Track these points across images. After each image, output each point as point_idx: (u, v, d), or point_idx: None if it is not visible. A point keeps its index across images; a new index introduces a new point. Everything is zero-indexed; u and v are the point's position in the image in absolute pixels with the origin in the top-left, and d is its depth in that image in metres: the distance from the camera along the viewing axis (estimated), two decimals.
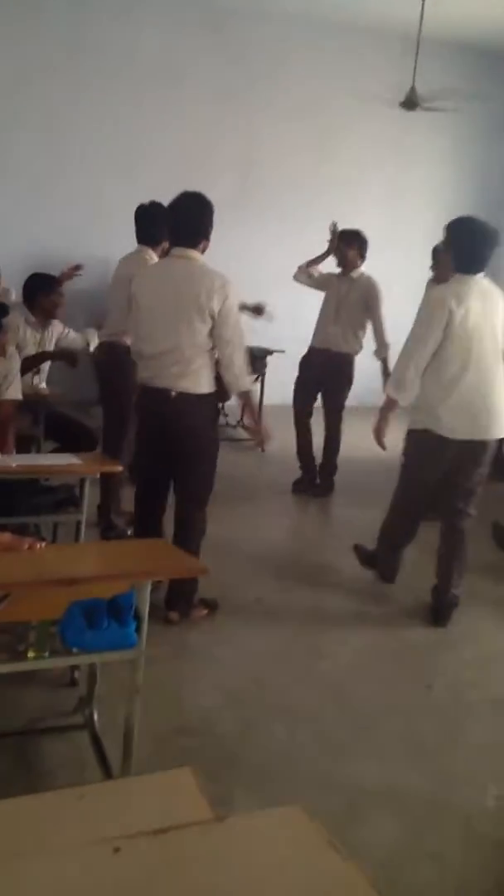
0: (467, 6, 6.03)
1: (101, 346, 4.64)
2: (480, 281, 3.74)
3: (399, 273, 7.18)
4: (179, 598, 3.60)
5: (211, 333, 3.39)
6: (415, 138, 8.44)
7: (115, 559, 2.53)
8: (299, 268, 5.61)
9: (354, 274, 5.49)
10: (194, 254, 3.48)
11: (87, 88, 7.43)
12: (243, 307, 4.83)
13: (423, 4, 6.53)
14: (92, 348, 4.88)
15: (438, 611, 3.88)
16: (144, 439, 3.68)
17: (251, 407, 3.69)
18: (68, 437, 4.51)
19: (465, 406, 3.67)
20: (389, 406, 3.85)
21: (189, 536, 3.56)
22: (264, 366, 6.87)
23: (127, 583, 2.31)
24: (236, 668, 3.32)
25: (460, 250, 3.75)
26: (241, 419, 6.60)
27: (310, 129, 8.23)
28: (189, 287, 3.38)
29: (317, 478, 5.77)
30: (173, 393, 3.44)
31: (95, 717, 2.73)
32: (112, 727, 2.68)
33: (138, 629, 2.27)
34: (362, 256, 5.50)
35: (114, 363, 4.35)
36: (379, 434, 3.87)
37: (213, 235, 3.64)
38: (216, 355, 3.46)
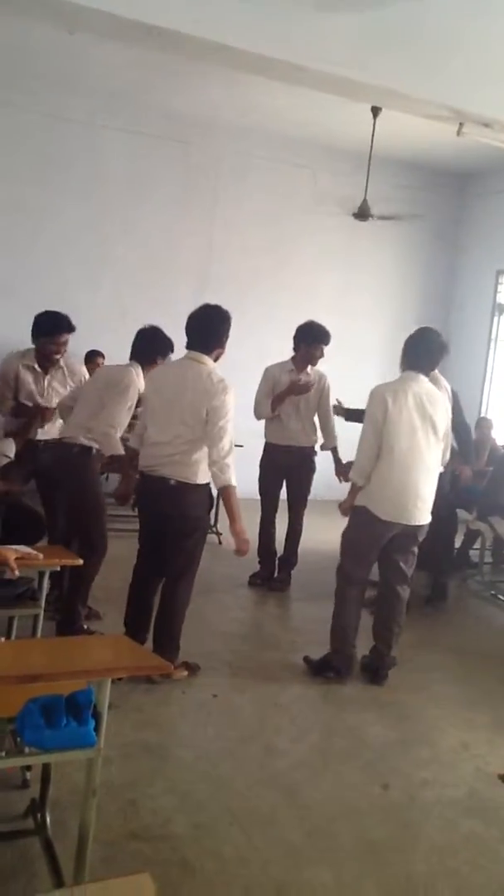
0: (413, 128, 6.50)
1: (52, 444, 4.56)
2: (422, 382, 4.18)
3: (351, 372, 7.44)
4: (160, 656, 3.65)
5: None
6: (365, 245, 8.90)
7: (74, 655, 2.51)
8: (266, 415, 5.64)
9: (309, 369, 5.66)
10: (206, 359, 3.85)
11: (54, 196, 7.71)
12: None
13: (374, 125, 7.02)
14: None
15: (377, 671, 4.26)
16: (146, 527, 3.99)
17: (231, 506, 3.73)
18: (15, 525, 4.45)
19: (395, 492, 4.09)
20: (353, 490, 4.21)
21: (175, 608, 3.92)
22: None
23: (85, 679, 2.30)
24: (191, 768, 3.27)
25: (407, 353, 4.24)
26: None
27: (267, 236, 8.63)
28: (196, 387, 3.75)
29: (275, 572, 5.80)
30: (172, 481, 3.76)
31: (48, 821, 2.65)
32: (63, 831, 2.61)
33: (97, 727, 2.25)
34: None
35: (68, 461, 4.34)
36: (344, 508, 4.27)
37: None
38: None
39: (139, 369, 4.31)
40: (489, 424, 7.50)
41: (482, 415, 8.74)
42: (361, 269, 9.14)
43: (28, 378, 4.76)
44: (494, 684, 4.45)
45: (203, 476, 3.82)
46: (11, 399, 4.74)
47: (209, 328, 3.88)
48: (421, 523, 4.17)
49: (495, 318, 9.31)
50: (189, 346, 3.90)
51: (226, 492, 3.72)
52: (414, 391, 4.12)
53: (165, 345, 4.34)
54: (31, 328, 4.76)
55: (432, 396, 4.17)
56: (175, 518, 3.84)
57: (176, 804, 2.98)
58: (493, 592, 6.18)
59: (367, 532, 4.17)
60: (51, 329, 4.64)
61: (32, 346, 4.79)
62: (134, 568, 4.08)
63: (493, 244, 9.13)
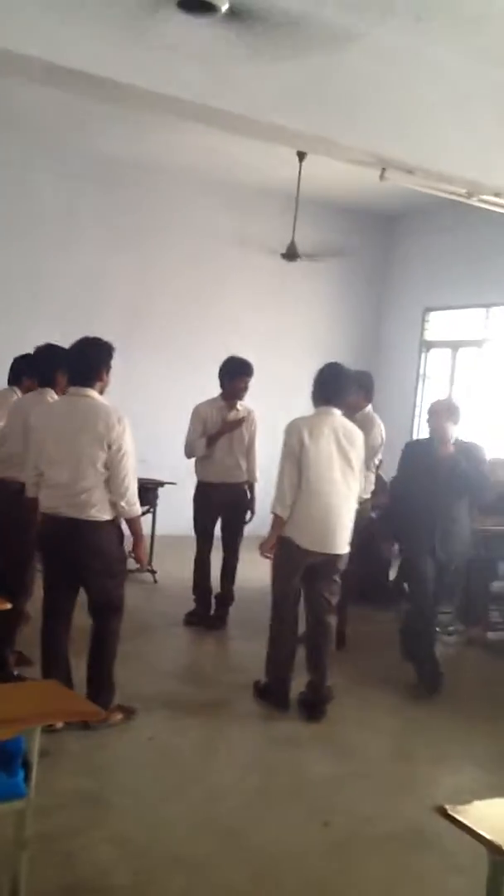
0: (338, 171, 6.69)
1: None
2: (336, 416, 4.31)
3: (284, 409, 7.49)
4: (95, 703, 3.56)
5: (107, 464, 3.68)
6: (295, 286, 9.05)
7: (3, 703, 2.44)
8: (199, 454, 5.66)
9: (239, 406, 5.71)
10: (91, 392, 3.78)
11: None
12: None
13: (300, 168, 7.22)
14: None
15: (315, 706, 4.25)
16: (53, 569, 3.88)
17: (139, 533, 3.96)
18: None
19: (315, 521, 4.20)
20: (275, 522, 4.29)
21: (107, 649, 3.86)
22: (156, 497, 6.92)
23: (13, 728, 2.24)
24: (131, 814, 3.18)
25: (316, 389, 4.36)
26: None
27: (198, 276, 8.70)
28: (89, 422, 3.69)
29: (212, 609, 5.76)
30: (80, 520, 3.67)
31: None
32: None
33: (26, 777, 2.18)
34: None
35: (6, 501, 4.28)
36: (265, 548, 4.32)
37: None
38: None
39: (52, 393, 4.27)
40: None
41: None
42: (292, 308, 9.28)
43: None
44: (431, 715, 4.48)
45: (110, 511, 3.76)
46: None
47: (86, 362, 3.83)
48: (340, 552, 4.28)
49: (423, 355, 9.56)
50: (71, 382, 3.87)
51: (135, 523, 3.87)
52: (330, 425, 4.25)
53: (62, 358, 4.20)
54: (18, 369, 4.85)
55: (348, 431, 4.31)
56: (93, 558, 3.76)
57: (115, 853, 2.90)
58: None
59: (289, 561, 4.27)
60: None
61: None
62: (43, 615, 3.92)
63: (420, 283, 9.41)
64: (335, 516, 4.21)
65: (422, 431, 9.49)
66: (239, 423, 5.58)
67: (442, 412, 4.90)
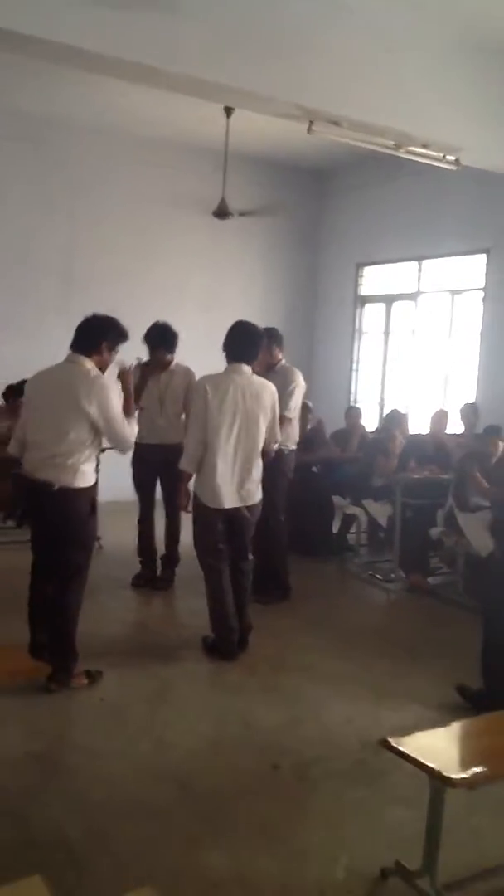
0: (266, 126, 6.64)
1: None
2: (244, 373, 4.40)
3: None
4: (59, 669, 3.76)
5: (92, 429, 3.77)
6: (229, 243, 9.00)
7: None
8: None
9: (175, 366, 5.68)
10: (85, 360, 3.80)
11: None
12: None
13: (227, 124, 7.14)
14: None
15: (241, 640, 4.50)
16: (33, 526, 3.95)
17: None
18: None
19: (219, 479, 4.31)
20: (182, 478, 4.47)
21: (71, 611, 3.91)
22: (98, 463, 6.87)
23: None
24: (83, 771, 3.24)
25: (227, 347, 4.46)
26: None
27: (131, 235, 8.57)
28: (70, 390, 3.72)
29: (158, 571, 5.80)
30: (55, 486, 3.72)
31: None
32: None
33: None
34: (172, 350, 5.67)
35: None
36: (182, 504, 4.55)
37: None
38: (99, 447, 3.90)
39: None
40: (357, 413, 7.77)
41: (351, 404, 9.04)
42: (227, 266, 9.24)
43: None
44: (374, 658, 4.63)
45: (85, 479, 3.82)
46: None
47: (93, 334, 3.85)
48: (249, 504, 4.43)
49: (358, 310, 9.64)
50: (72, 348, 3.86)
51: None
52: (236, 383, 4.33)
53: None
54: None
55: (255, 388, 4.39)
56: (60, 523, 3.82)
57: (69, 808, 2.96)
58: (370, 573, 6.41)
59: (202, 519, 4.42)
60: None
61: None
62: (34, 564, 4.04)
63: (351, 238, 9.45)
64: (238, 473, 4.35)
65: (359, 384, 9.65)
66: (157, 369, 5.53)
67: None
